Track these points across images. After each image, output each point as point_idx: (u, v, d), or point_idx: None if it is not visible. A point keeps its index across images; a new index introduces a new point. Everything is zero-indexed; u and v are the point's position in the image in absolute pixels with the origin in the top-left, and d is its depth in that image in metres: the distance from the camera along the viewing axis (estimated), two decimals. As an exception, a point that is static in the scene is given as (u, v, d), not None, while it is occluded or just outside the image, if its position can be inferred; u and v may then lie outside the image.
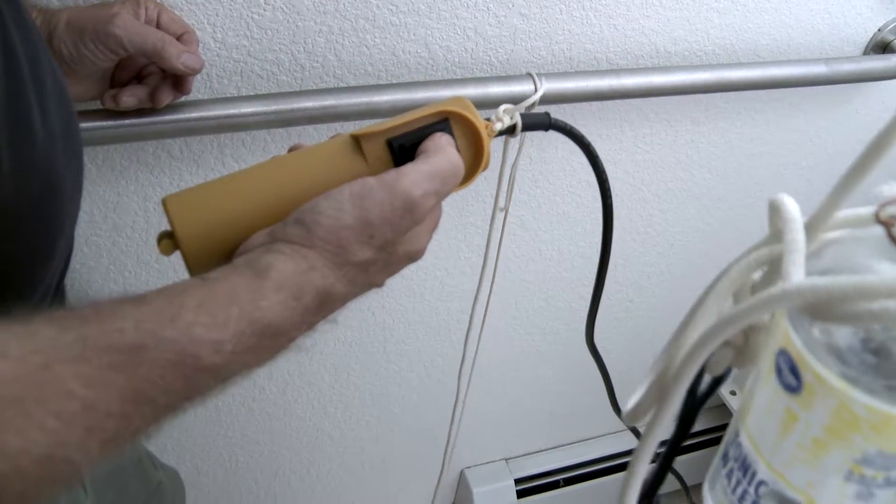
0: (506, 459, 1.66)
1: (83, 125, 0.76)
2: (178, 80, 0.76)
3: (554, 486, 1.64)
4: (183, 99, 0.80)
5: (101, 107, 0.77)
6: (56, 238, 0.56)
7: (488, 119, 0.61)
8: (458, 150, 0.58)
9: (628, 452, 1.70)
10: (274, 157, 0.58)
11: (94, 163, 0.89)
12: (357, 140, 0.57)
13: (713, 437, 1.79)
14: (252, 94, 0.89)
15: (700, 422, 1.61)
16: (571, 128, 0.67)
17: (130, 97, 0.74)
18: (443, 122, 0.58)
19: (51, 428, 0.37)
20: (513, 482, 1.61)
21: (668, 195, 1.25)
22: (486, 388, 1.42)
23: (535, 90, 0.87)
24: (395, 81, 0.93)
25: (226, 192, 0.56)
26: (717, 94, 1.14)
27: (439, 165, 0.54)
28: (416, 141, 0.57)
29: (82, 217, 0.93)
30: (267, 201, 0.55)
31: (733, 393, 1.70)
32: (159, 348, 0.42)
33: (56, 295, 0.69)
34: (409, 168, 0.53)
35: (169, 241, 0.54)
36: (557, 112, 1.05)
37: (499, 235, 1.14)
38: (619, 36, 1.01)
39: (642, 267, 1.36)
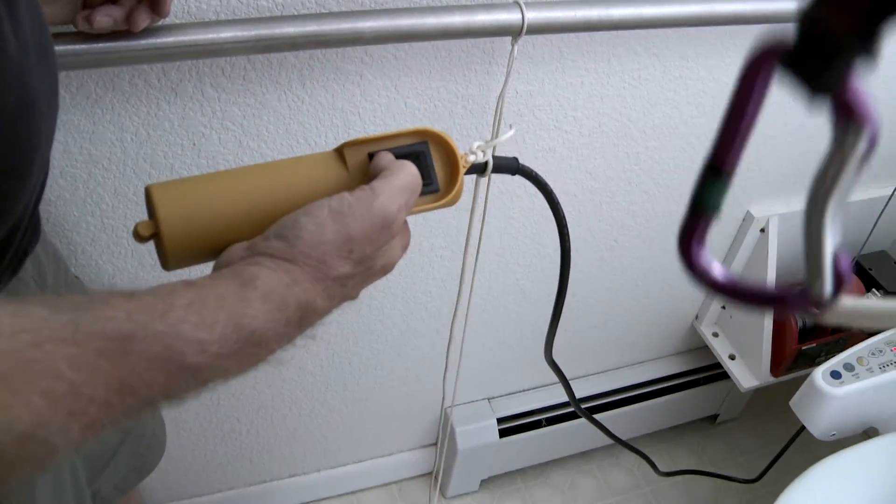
0: (488, 399, 1.67)
1: (56, 48, 0.73)
2: (155, 2, 0.74)
3: (536, 425, 1.65)
4: (160, 23, 0.78)
5: (74, 30, 0.74)
6: (32, 155, 0.54)
7: (463, 153, 0.64)
8: (435, 174, 0.62)
9: (611, 392, 1.72)
10: (259, 163, 0.61)
11: (68, 90, 0.87)
12: (340, 151, 0.60)
13: (691, 379, 1.81)
14: (231, 18, 0.86)
15: (678, 363, 1.60)
16: (536, 174, 0.71)
17: (105, 17, 0.71)
18: (422, 143, 0.62)
19: (36, 406, 0.37)
20: (495, 421, 1.62)
21: (655, 132, 1.24)
22: (469, 326, 1.41)
23: (510, 128, 0.86)
24: (378, 8, 0.91)
25: (210, 186, 0.57)
26: (707, 30, 1.12)
27: (406, 179, 0.56)
28: (396, 157, 0.60)
29: (56, 148, 0.91)
30: (250, 199, 0.57)
31: (715, 335, 1.71)
32: (147, 340, 0.42)
33: (31, 221, 0.68)
34: (380, 184, 0.55)
35: (146, 227, 0.55)
36: (545, 42, 1.03)
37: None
38: (609, -35, 0.99)
39: (627, 206, 1.36)
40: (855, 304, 0.36)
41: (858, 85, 0.28)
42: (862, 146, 0.28)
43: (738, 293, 0.38)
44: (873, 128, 0.28)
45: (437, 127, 0.63)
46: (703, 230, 0.36)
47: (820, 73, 0.28)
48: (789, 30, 0.29)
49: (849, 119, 0.28)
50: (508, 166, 0.69)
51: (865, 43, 0.26)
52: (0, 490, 0.38)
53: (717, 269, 0.38)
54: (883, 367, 1.35)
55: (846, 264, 0.32)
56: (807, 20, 0.28)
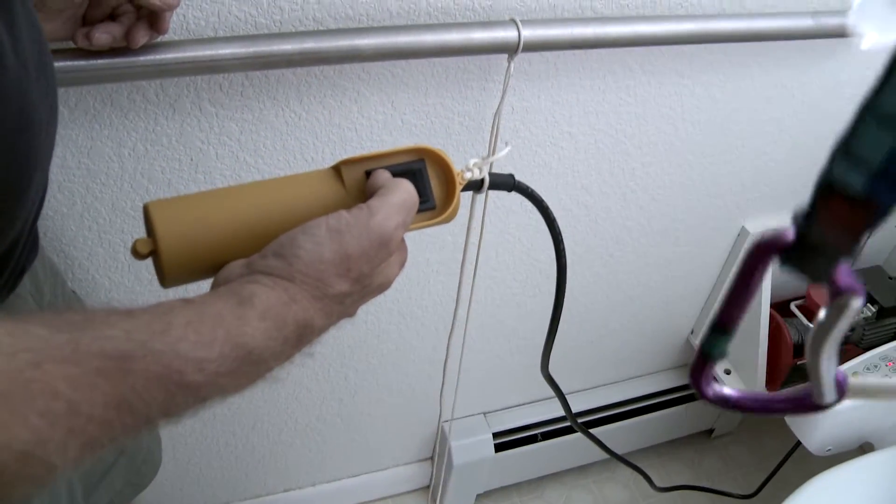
0: (484, 413, 1.67)
1: (55, 65, 0.73)
2: (153, 19, 0.74)
3: (532, 440, 1.65)
4: (159, 39, 0.78)
5: (73, 46, 0.75)
6: (32, 171, 0.55)
7: (459, 170, 0.65)
8: (431, 191, 0.62)
9: (607, 407, 1.72)
10: (256, 180, 0.61)
11: (67, 105, 0.87)
12: (338, 169, 0.60)
13: (687, 393, 1.80)
14: (229, 35, 0.87)
15: (674, 377, 1.60)
16: (533, 191, 0.72)
17: (104, 34, 0.72)
18: (419, 161, 0.62)
19: (34, 426, 0.37)
20: (491, 436, 1.62)
21: (651, 148, 1.25)
22: (466, 341, 1.42)
23: (506, 145, 0.88)
24: (376, 25, 0.92)
25: (208, 204, 0.58)
26: (702, 47, 1.13)
27: (403, 197, 0.57)
28: (393, 174, 0.60)
29: (55, 162, 0.91)
30: (248, 217, 0.57)
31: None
32: (146, 359, 0.42)
33: (29, 237, 0.68)
34: (377, 203, 0.55)
35: (144, 244, 0.55)
36: (541, 59, 1.04)
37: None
38: (605, -17, 1.00)
39: (623, 221, 1.36)
40: (863, 384, 0.42)
41: (845, 271, 0.35)
42: (852, 309, 0.36)
43: (750, 407, 0.44)
44: (859, 296, 0.36)
45: (433, 144, 0.63)
46: (710, 371, 0.43)
47: (814, 270, 0.36)
48: (787, 230, 0.36)
49: (840, 294, 0.36)
50: (505, 183, 0.69)
51: (852, 249, 0.34)
52: None
53: (728, 392, 0.44)
54: (878, 383, 1.35)
55: (843, 378, 0.40)
56: (803, 235, 0.35)
